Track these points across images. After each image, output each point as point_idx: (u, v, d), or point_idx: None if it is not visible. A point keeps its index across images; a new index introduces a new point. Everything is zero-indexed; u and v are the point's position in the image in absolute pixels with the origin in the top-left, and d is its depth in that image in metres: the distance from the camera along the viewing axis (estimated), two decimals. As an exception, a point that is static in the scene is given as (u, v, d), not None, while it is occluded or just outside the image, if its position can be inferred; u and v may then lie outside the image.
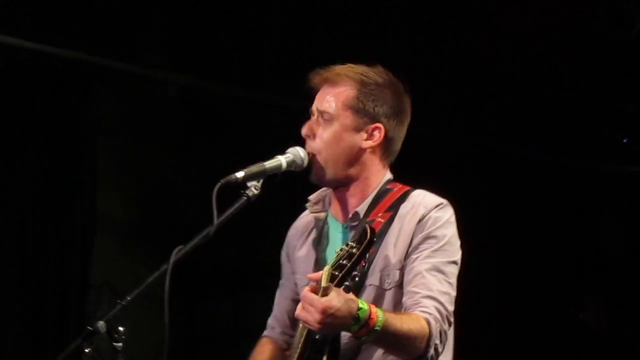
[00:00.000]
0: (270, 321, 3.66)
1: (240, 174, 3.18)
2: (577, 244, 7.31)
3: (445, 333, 3.18)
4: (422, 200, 3.32)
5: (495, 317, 7.07)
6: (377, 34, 6.17)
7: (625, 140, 6.77)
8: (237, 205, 3.17)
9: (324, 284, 2.95)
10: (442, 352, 3.19)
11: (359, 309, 2.97)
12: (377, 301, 3.22)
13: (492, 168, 7.07)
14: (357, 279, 3.13)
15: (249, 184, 3.19)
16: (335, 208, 3.44)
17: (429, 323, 3.12)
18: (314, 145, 3.35)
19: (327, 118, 3.34)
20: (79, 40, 5.70)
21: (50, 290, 5.66)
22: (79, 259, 5.76)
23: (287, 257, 3.59)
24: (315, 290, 2.97)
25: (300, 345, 3.16)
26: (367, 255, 3.06)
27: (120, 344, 2.96)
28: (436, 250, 3.25)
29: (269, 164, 3.26)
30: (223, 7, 6.01)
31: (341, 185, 3.38)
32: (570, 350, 7.21)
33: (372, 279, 3.25)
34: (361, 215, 3.35)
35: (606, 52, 6.30)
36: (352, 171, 3.36)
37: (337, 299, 2.93)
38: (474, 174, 6.97)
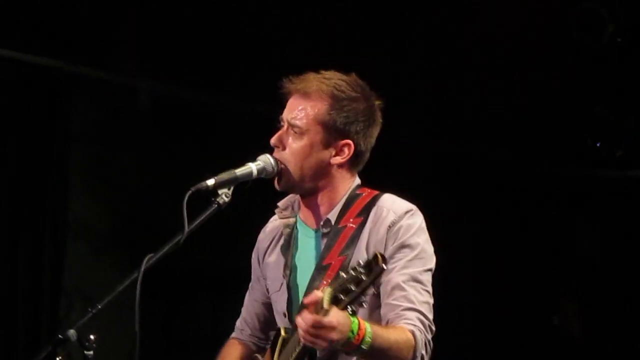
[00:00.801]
0: (239, 323, 3.67)
1: (210, 182, 3.18)
2: (552, 248, 7.34)
3: (430, 342, 3.22)
4: (391, 206, 3.33)
5: (471, 321, 7.09)
6: (352, 40, 6.19)
7: (598, 145, 6.81)
8: (207, 212, 3.17)
9: (326, 306, 2.91)
10: None
11: (352, 322, 2.98)
12: None
13: (466, 173, 7.09)
14: (365, 305, 3.09)
15: (219, 191, 3.19)
16: (304, 214, 3.44)
17: (414, 334, 3.15)
18: (283, 155, 3.33)
19: (297, 131, 3.32)
20: (52, 48, 5.69)
21: (22, 296, 5.65)
22: (51, 265, 5.75)
23: (257, 260, 3.59)
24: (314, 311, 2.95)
25: None
26: (376, 282, 3.01)
27: (91, 352, 2.95)
28: (411, 259, 3.26)
29: (240, 171, 3.25)
30: (197, 15, 6.01)
31: (309, 194, 3.39)
32: (544, 353, 7.24)
33: None
34: (332, 222, 3.35)
35: (579, 57, 6.34)
36: (320, 183, 3.36)
37: (337, 316, 2.93)
38: (448, 179, 6.99)
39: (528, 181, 7.27)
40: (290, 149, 3.33)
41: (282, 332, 3.32)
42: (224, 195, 3.19)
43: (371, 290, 3.03)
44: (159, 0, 5.98)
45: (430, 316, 3.23)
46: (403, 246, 3.27)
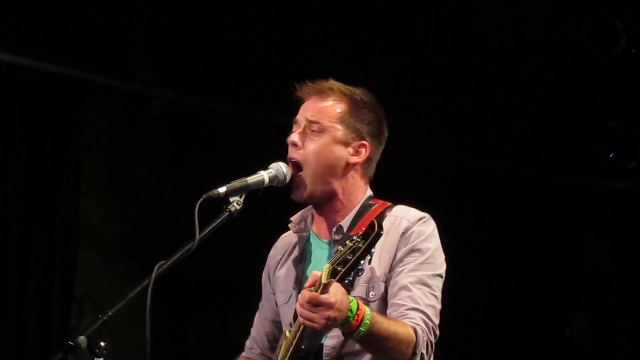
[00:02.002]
0: (249, 343, 3.65)
1: (222, 190, 3.19)
2: (565, 260, 7.32)
3: (432, 344, 3.20)
4: (404, 214, 3.34)
5: (482, 333, 7.08)
6: (363, 50, 6.20)
7: (610, 156, 6.79)
8: (219, 220, 3.17)
9: (324, 281, 2.92)
10: None
11: (351, 301, 2.98)
12: None
13: (478, 185, 7.08)
14: (361, 274, 3.09)
15: (231, 199, 3.20)
16: (317, 226, 3.44)
17: (415, 332, 3.14)
18: (301, 154, 3.35)
19: (318, 129, 3.35)
20: (65, 56, 5.71)
21: (33, 303, 5.65)
22: (62, 273, 5.75)
23: (267, 278, 3.59)
24: (314, 289, 2.96)
25: (288, 357, 3.17)
26: (373, 250, 3.01)
27: (102, 359, 2.95)
28: (421, 263, 3.26)
29: (252, 179, 3.26)
30: (210, 23, 6.03)
31: (325, 201, 3.39)
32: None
33: (358, 291, 3.25)
34: (345, 230, 3.35)
35: (591, 69, 6.33)
36: (336, 186, 3.37)
37: (337, 293, 2.94)
38: (459, 191, 6.98)
39: (540, 193, 7.26)
40: (310, 147, 3.35)
41: (287, 334, 3.31)
42: (236, 203, 3.20)
43: (368, 258, 3.02)
44: (172, 8, 5.99)
45: (436, 320, 3.23)
46: (413, 250, 3.28)
